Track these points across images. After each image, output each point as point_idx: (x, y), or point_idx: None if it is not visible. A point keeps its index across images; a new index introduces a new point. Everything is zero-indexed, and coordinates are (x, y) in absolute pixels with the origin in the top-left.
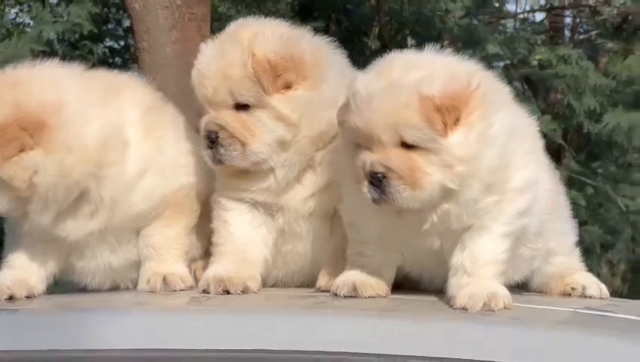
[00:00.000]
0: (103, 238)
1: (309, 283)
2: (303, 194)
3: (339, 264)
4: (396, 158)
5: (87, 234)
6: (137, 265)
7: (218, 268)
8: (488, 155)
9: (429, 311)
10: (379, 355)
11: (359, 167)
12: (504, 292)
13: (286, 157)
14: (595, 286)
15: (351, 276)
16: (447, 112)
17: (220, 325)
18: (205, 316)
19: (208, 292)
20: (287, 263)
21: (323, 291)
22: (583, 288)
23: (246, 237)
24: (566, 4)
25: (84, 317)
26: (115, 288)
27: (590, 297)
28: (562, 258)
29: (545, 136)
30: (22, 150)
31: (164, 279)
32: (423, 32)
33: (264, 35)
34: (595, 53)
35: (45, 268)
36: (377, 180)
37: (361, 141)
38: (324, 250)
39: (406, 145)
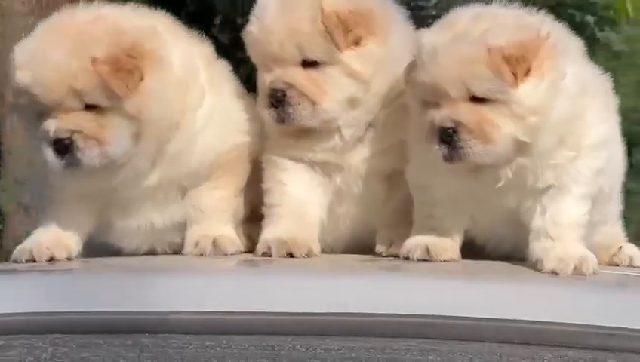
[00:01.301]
0: (153, 195)
1: (355, 249)
2: (364, 154)
3: (398, 228)
4: (465, 112)
5: (143, 189)
6: (179, 227)
7: (277, 231)
8: (560, 106)
9: (514, 274)
10: (480, 319)
11: (428, 124)
12: (592, 255)
13: (354, 116)
14: None
15: (422, 239)
16: (517, 63)
17: (307, 288)
18: (286, 279)
19: (269, 255)
20: (337, 227)
21: (385, 256)
22: (631, 259)
23: (304, 198)
24: None
25: (157, 280)
26: (151, 252)
27: (638, 268)
28: (609, 227)
29: None
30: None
31: (214, 242)
32: None
33: None
34: None
35: (82, 229)
36: (448, 136)
37: (429, 97)
38: (379, 212)
39: (475, 99)
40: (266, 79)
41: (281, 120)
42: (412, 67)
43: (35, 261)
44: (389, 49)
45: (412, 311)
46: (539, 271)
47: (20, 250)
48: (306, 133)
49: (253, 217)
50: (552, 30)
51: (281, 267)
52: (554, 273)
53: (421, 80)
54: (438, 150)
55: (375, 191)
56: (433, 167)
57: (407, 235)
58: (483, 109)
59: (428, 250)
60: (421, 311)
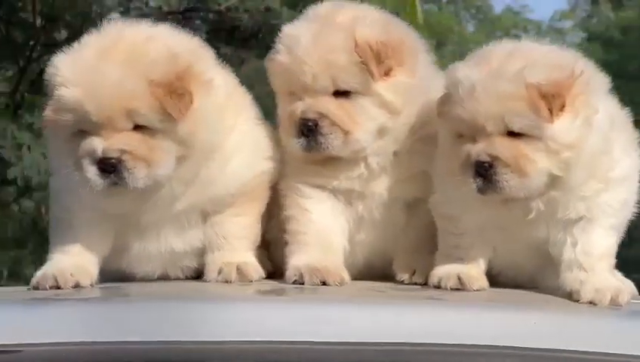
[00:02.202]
0: (176, 219)
1: (367, 275)
2: (388, 182)
3: (418, 256)
4: (502, 147)
5: (171, 213)
6: (197, 252)
7: (307, 258)
8: (592, 141)
9: (554, 304)
10: (531, 349)
11: (464, 157)
12: (624, 286)
13: (381, 145)
14: None
15: (453, 268)
16: (553, 99)
17: (356, 317)
18: (331, 308)
19: (301, 283)
20: (354, 253)
21: (407, 284)
22: None
23: (328, 225)
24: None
25: (201, 308)
26: (164, 277)
27: None
28: None
29: None
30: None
31: (238, 269)
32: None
33: (365, 20)
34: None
35: (100, 254)
36: (484, 169)
37: (464, 131)
38: (397, 239)
39: (511, 134)
40: (295, 108)
41: (310, 149)
42: (445, 101)
43: (59, 288)
44: (416, 79)
45: (465, 341)
46: (575, 301)
47: (43, 277)
48: (331, 162)
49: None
50: (583, 67)
51: (320, 295)
52: (592, 304)
53: (457, 114)
54: (473, 183)
55: (395, 219)
56: (462, 198)
57: (428, 263)
58: (519, 144)
59: (460, 279)
60: (475, 340)
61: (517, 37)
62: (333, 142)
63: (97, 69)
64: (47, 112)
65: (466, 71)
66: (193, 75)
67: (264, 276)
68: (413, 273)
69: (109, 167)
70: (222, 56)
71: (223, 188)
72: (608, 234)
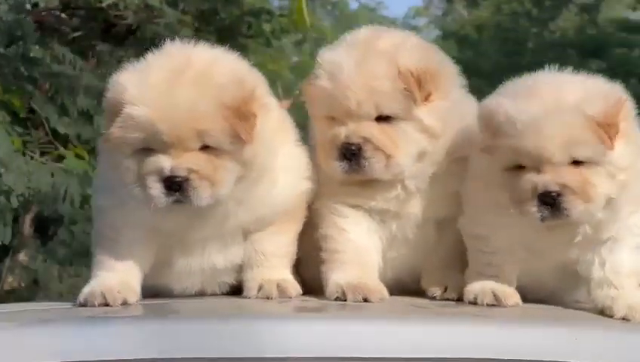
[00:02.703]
0: (221, 237)
1: (394, 291)
2: (422, 202)
3: (449, 272)
4: (569, 175)
5: (219, 232)
6: (235, 269)
7: (347, 276)
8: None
9: (591, 320)
10: None
11: (529, 188)
12: None
13: (419, 168)
14: None
15: (487, 285)
16: (610, 128)
17: (408, 333)
18: (386, 324)
19: (343, 300)
20: (385, 270)
21: (439, 299)
22: None
23: (364, 244)
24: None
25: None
26: (201, 293)
27: None
28: None
29: None
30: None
31: (278, 286)
32: None
33: (405, 47)
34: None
35: (141, 270)
36: (552, 199)
37: (525, 162)
38: (426, 256)
39: (575, 162)
40: (339, 132)
41: (352, 171)
42: (492, 135)
43: (107, 305)
44: (452, 103)
45: (518, 357)
46: (609, 317)
47: (91, 294)
48: (369, 183)
49: None
50: (622, 94)
51: (369, 312)
52: (625, 319)
53: (516, 147)
54: (538, 212)
55: (426, 237)
56: (494, 220)
57: (459, 280)
58: (583, 171)
59: (495, 296)
60: (523, 356)
61: None
62: (375, 166)
63: (169, 90)
64: (113, 129)
65: (518, 106)
66: (256, 99)
67: (301, 293)
68: (445, 289)
69: (175, 185)
70: (99, 54)
71: (269, 207)
72: (634, 253)
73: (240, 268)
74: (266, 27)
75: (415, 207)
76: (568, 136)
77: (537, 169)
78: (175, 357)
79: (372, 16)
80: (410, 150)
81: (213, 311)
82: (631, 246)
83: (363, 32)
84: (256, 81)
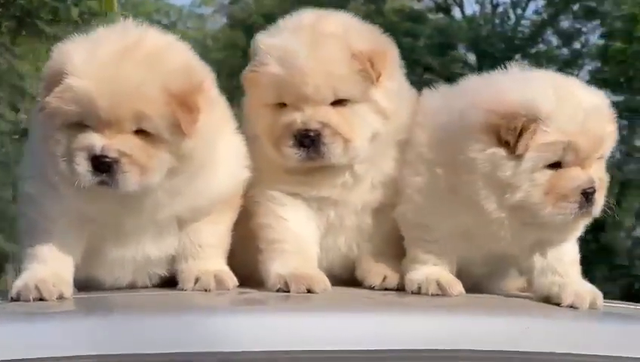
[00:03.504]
0: (155, 227)
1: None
2: (362, 189)
3: (385, 262)
4: (598, 171)
5: (151, 222)
6: (167, 260)
7: (288, 266)
8: None
9: (537, 308)
10: (534, 353)
11: (568, 186)
12: (598, 291)
13: (369, 151)
14: None
15: (430, 274)
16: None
17: (364, 324)
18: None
19: (286, 291)
20: (320, 260)
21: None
22: None
23: (304, 233)
24: None
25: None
26: (132, 286)
27: None
28: None
29: None
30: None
31: (215, 277)
32: None
33: (354, 29)
34: None
35: (73, 261)
36: (591, 195)
37: (565, 158)
38: (361, 245)
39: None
40: (293, 119)
41: (309, 158)
42: (535, 135)
43: (42, 299)
44: (399, 84)
45: (478, 347)
46: (556, 305)
47: (25, 288)
48: (317, 170)
49: None
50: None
51: (318, 303)
52: (573, 307)
53: (560, 142)
54: (578, 208)
55: (363, 225)
56: (438, 208)
57: (398, 269)
58: (602, 166)
59: (440, 285)
60: (484, 346)
61: (159, 22)
62: (335, 151)
63: (115, 66)
64: (50, 99)
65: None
66: (203, 92)
67: (237, 284)
68: (384, 278)
69: (103, 165)
70: None
71: (207, 198)
72: (574, 242)
73: (172, 259)
74: (74, 11)
75: (355, 194)
76: (605, 132)
77: (580, 164)
78: (121, 352)
79: (158, 4)
80: (366, 133)
81: (158, 305)
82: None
83: (306, 16)
84: (205, 73)
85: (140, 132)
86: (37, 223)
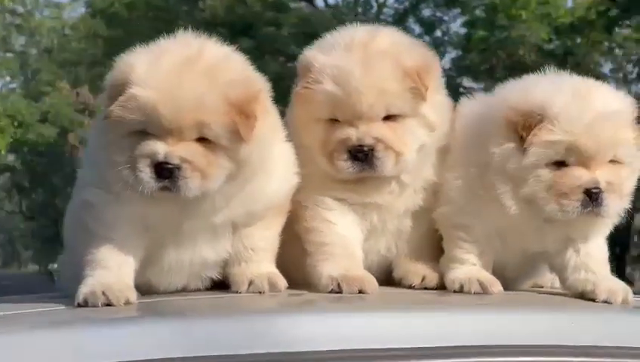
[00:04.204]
0: (212, 231)
1: None
2: (406, 195)
3: (424, 263)
4: (610, 173)
5: (208, 226)
6: (221, 263)
7: (339, 268)
8: None
9: (575, 304)
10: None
11: (570, 184)
12: (628, 287)
13: (416, 162)
14: None
15: (471, 273)
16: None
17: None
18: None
19: (338, 292)
20: None
21: (418, 289)
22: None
23: (350, 236)
24: None
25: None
26: (184, 289)
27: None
28: None
29: None
30: None
31: (268, 280)
32: None
33: (404, 46)
34: None
35: (134, 267)
36: (596, 195)
37: (569, 158)
38: (401, 246)
39: (613, 161)
40: (348, 135)
41: (362, 171)
42: (539, 130)
43: (110, 304)
44: (443, 96)
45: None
46: (590, 300)
47: (92, 294)
48: (366, 180)
49: None
50: None
51: (377, 303)
52: (607, 302)
53: (570, 144)
54: (580, 206)
55: (404, 228)
56: (483, 210)
57: (436, 268)
58: (619, 170)
59: (481, 284)
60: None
61: (14, 12)
62: (387, 165)
63: (178, 77)
64: (114, 108)
65: (574, 104)
66: (260, 101)
67: (287, 286)
68: (423, 278)
69: (166, 171)
70: None
71: (262, 203)
72: (603, 242)
73: (225, 264)
74: None
75: (399, 200)
76: (618, 137)
77: (584, 164)
78: (198, 355)
79: None
80: (415, 146)
81: (225, 308)
82: (604, 235)
83: (357, 33)
84: (261, 83)
85: (201, 139)
86: (97, 230)
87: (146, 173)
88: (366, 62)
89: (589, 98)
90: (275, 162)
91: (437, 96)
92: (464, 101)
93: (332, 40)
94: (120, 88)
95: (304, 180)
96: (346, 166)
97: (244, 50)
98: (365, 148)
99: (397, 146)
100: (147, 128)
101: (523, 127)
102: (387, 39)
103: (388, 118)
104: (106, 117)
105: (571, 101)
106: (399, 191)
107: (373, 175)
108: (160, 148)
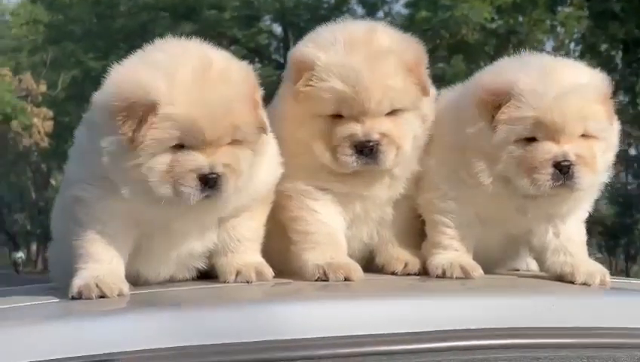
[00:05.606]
0: (202, 224)
1: None
2: (389, 184)
3: (406, 249)
4: (582, 147)
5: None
6: (207, 254)
7: (324, 257)
8: None
9: (555, 287)
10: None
11: (539, 158)
12: (605, 269)
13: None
14: None
15: (452, 259)
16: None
17: (427, 307)
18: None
19: (324, 280)
20: None
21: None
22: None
23: (335, 225)
24: None
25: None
26: (171, 279)
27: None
28: None
29: None
30: None
31: (256, 269)
32: None
33: (402, 41)
34: None
35: (124, 259)
36: (566, 168)
37: (538, 133)
38: (383, 233)
39: (585, 136)
40: (354, 130)
41: (365, 165)
42: (510, 107)
43: (103, 296)
44: (432, 89)
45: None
46: (569, 282)
47: (86, 287)
48: (362, 172)
49: None
50: None
51: (365, 290)
52: (585, 284)
53: (537, 118)
54: (550, 179)
55: (386, 216)
56: (466, 194)
57: (418, 254)
58: (591, 144)
59: (463, 268)
60: (519, 323)
61: None
62: (389, 158)
63: (203, 87)
64: (148, 130)
65: (541, 82)
66: (259, 92)
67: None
68: (405, 265)
69: (211, 181)
70: None
71: (252, 194)
72: (581, 225)
73: (210, 254)
74: None
75: (382, 189)
76: (587, 111)
77: (553, 139)
78: (191, 344)
79: None
80: (411, 138)
81: (216, 298)
82: (580, 218)
83: (357, 30)
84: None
85: (232, 141)
86: (88, 225)
87: (192, 188)
88: (371, 59)
89: (556, 74)
90: (266, 153)
91: (431, 89)
92: (443, 91)
93: (329, 37)
94: (146, 109)
95: (289, 171)
96: (350, 160)
97: (187, 35)
98: (371, 144)
99: (398, 139)
100: (183, 142)
101: (492, 105)
102: (386, 36)
103: (390, 112)
104: (136, 143)
105: (537, 77)
106: (390, 183)
107: (375, 168)
108: (203, 160)
